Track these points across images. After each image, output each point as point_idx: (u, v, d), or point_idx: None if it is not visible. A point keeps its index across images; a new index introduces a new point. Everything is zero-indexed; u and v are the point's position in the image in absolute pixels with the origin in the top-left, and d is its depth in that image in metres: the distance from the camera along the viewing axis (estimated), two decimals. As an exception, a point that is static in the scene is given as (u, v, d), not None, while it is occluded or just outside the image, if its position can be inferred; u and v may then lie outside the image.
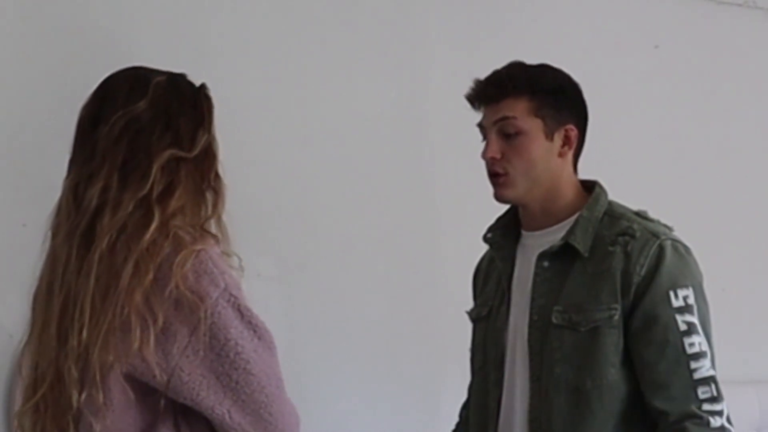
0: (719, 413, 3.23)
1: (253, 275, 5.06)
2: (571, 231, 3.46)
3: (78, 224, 2.93)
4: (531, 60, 3.71)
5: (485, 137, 3.55)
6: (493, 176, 3.51)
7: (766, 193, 6.36)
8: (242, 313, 2.91)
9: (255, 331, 2.90)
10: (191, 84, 3.32)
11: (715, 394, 3.25)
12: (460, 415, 4.02)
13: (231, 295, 2.88)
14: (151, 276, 2.79)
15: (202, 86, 3.33)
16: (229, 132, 5.09)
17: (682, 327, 3.28)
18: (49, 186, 4.11)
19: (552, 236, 3.53)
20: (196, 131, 3.11)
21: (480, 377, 3.75)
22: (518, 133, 3.43)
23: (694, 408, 3.23)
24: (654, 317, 3.29)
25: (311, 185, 5.37)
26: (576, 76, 3.73)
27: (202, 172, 3.11)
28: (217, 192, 3.23)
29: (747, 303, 6.20)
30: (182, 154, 3.02)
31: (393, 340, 5.41)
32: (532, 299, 3.52)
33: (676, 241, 3.42)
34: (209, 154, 3.18)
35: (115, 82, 3.27)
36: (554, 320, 3.42)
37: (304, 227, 5.34)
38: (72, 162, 3.16)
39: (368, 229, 5.46)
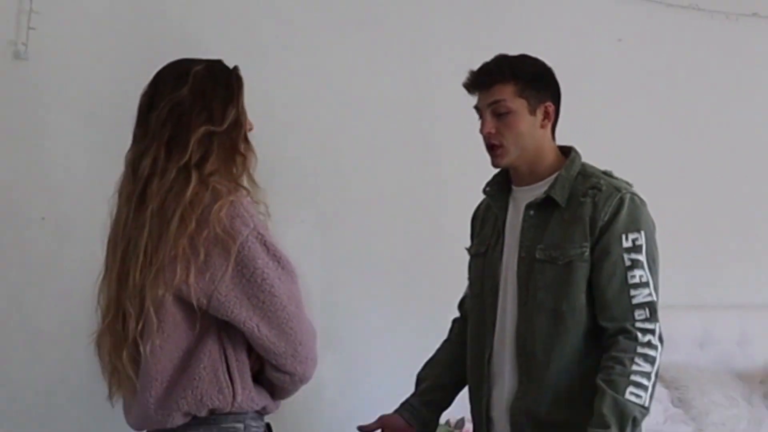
0: (650, 331, 3.54)
1: (297, 222, 5.64)
2: (551, 186, 3.72)
3: (134, 189, 3.24)
4: (514, 49, 4.03)
5: (481, 117, 3.80)
6: (491, 148, 3.79)
7: (707, 157, 6.64)
8: (268, 247, 3.13)
9: (279, 262, 3.13)
10: (225, 68, 3.57)
11: (648, 316, 3.55)
12: (460, 309, 4.39)
13: (258, 233, 3.11)
14: (193, 224, 3.06)
15: (234, 68, 3.59)
16: (280, 109, 5.72)
17: (627, 263, 3.58)
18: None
19: (537, 191, 3.78)
20: (226, 108, 3.38)
21: (477, 300, 3.99)
22: (508, 112, 3.71)
23: (628, 326, 3.54)
24: (608, 253, 3.58)
25: (343, 150, 5.91)
26: (551, 64, 4.03)
27: (232, 140, 3.35)
28: (245, 155, 3.43)
29: (694, 244, 6.53)
30: (214, 128, 3.29)
31: (409, 273, 5.92)
32: (521, 240, 3.77)
33: (633, 195, 3.69)
34: (237, 125, 3.42)
35: (164, 73, 3.55)
36: (538, 256, 3.69)
37: (338, 183, 5.86)
38: (133, 140, 3.44)
39: (388, 185, 5.97)
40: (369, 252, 5.90)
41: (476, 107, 3.85)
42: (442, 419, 4.83)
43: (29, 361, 5.20)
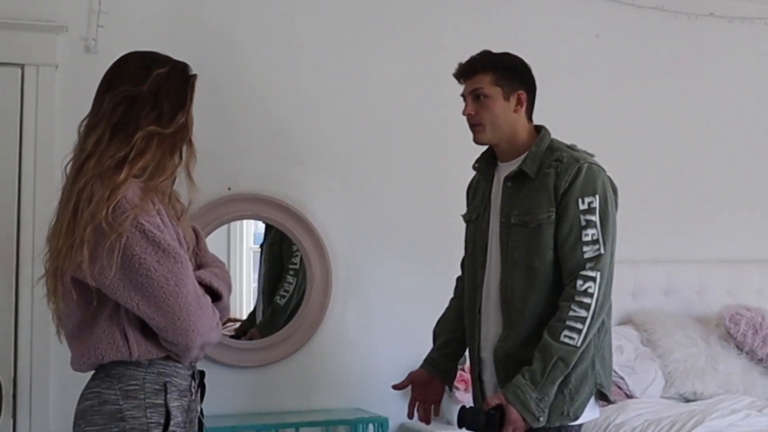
0: (591, 279, 3.53)
1: (325, 190, 5.68)
2: (524, 161, 3.77)
3: (77, 161, 3.11)
4: (505, 44, 4.08)
5: (465, 100, 3.91)
6: (472, 126, 3.89)
7: (671, 135, 6.48)
8: (147, 235, 2.98)
9: (159, 246, 2.98)
10: (185, 75, 3.37)
11: (592, 266, 3.57)
12: (462, 268, 4.32)
13: (139, 223, 2.97)
14: (103, 214, 2.93)
15: (192, 77, 3.40)
16: (313, 96, 5.75)
17: (582, 223, 3.60)
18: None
19: (514, 165, 3.83)
20: (176, 113, 3.20)
21: (471, 260, 4.05)
22: (485, 96, 3.80)
23: (573, 271, 3.60)
24: (566, 215, 3.63)
25: (365, 131, 5.83)
26: (534, 59, 4.06)
27: (173, 144, 3.19)
28: (184, 158, 3.27)
29: (660, 209, 6.40)
30: (160, 129, 3.13)
31: (418, 233, 5.84)
32: (501, 208, 3.83)
33: (591, 164, 3.72)
34: (183, 130, 3.24)
35: (130, 61, 3.35)
36: (513, 221, 3.75)
37: (360, 158, 5.80)
38: (90, 109, 3.25)
39: (402, 160, 5.89)
40: (386, 216, 5.86)
41: (462, 94, 3.96)
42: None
43: None
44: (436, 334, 4.22)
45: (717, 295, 6.26)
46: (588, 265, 3.58)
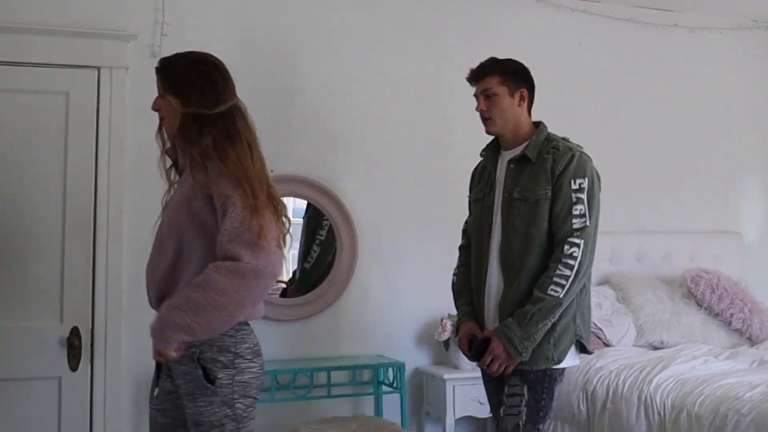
0: (575, 245, 3.61)
1: (353, 172, 5.72)
2: (526, 148, 3.84)
3: None
4: (499, 50, 4.12)
5: (477, 99, 3.98)
6: (484, 120, 3.97)
7: (645, 126, 6.50)
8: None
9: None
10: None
11: (579, 235, 3.63)
12: (463, 236, 4.32)
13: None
14: None
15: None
16: (342, 93, 5.75)
17: (573, 199, 3.67)
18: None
19: (516, 151, 3.90)
20: None
21: (478, 232, 4.03)
22: (494, 95, 3.88)
23: (562, 238, 3.66)
24: (560, 193, 3.70)
25: (386, 121, 5.82)
26: (527, 62, 4.11)
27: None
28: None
29: (635, 188, 6.35)
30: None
31: (431, 208, 5.82)
32: (504, 186, 3.88)
33: (581, 153, 3.81)
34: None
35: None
36: (515, 196, 3.79)
37: (383, 145, 5.80)
38: None
39: (418, 147, 5.88)
40: (403, 194, 5.88)
41: (474, 94, 4.03)
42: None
43: None
44: (459, 292, 4.19)
45: (680, 260, 6.26)
46: (575, 234, 3.65)
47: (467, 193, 4.31)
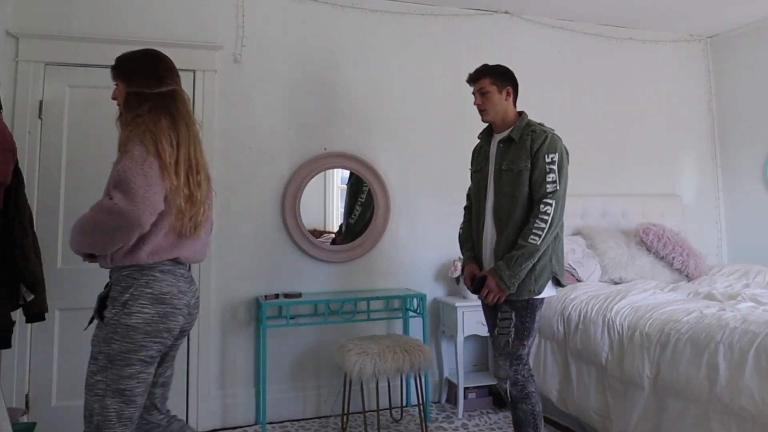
0: (549, 204, 3.57)
1: (384, 150, 5.58)
2: (511, 131, 3.78)
3: None
4: (497, 58, 4.23)
5: (474, 96, 3.91)
6: (480, 111, 3.90)
7: (608, 115, 6.40)
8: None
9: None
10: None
11: (551, 198, 3.58)
12: (468, 199, 4.21)
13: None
14: None
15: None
16: (377, 88, 5.59)
17: (547, 170, 3.62)
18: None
19: (505, 134, 3.83)
20: None
21: (477, 196, 3.98)
22: (487, 92, 3.84)
23: (539, 199, 3.61)
24: (537, 165, 3.64)
25: (411, 111, 5.71)
26: (516, 67, 4.08)
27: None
28: None
29: (598, 163, 6.27)
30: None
31: (446, 177, 5.72)
32: (495, 160, 3.83)
33: (553, 134, 3.72)
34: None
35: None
36: (504, 168, 3.74)
37: (408, 128, 5.69)
38: None
39: (434, 130, 5.77)
40: (424, 166, 5.78)
41: (472, 92, 3.95)
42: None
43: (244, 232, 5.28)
44: (464, 241, 4.10)
45: (635, 216, 6.18)
46: (548, 196, 3.61)
47: (470, 167, 4.22)
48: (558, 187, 3.64)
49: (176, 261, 2.85)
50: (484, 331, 5.24)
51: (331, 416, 5.24)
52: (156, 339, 2.75)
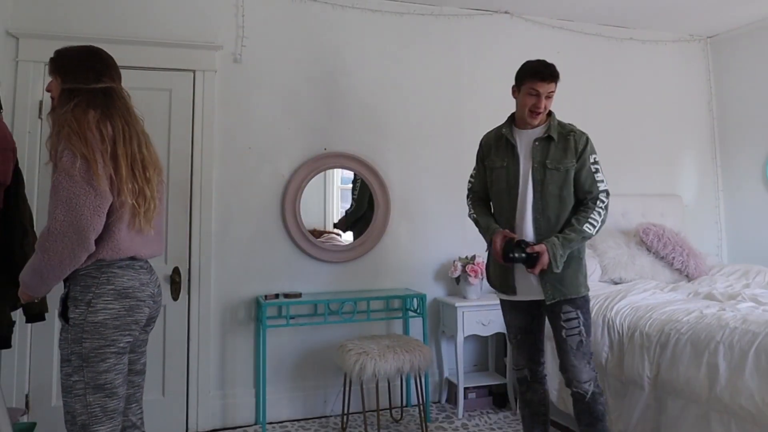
0: (603, 201, 3.64)
1: (387, 150, 5.56)
2: (548, 129, 3.72)
3: None
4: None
5: (536, 94, 3.73)
6: (536, 115, 3.73)
7: (616, 115, 6.36)
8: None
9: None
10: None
11: (605, 195, 3.67)
12: (471, 194, 4.10)
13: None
14: None
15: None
16: (378, 91, 5.57)
17: (593, 169, 3.69)
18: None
19: (537, 132, 3.75)
20: None
21: (504, 193, 3.82)
22: (551, 95, 3.76)
23: (595, 196, 3.66)
24: (585, 165, 3.68)
25: (412, 112, 5.68)
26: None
27: None
28: None
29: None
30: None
31: (447, 176, 5.69)
32: (533, 157, 3.71)
33: (589, 136, 3.74)
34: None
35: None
36: (549, 166, 3.67)
37: (408, 129, 5.64)
38: None
39: (434, 131, 5.73)
40: (424, 166, 5.74)
41: (532, 90, 3.74)
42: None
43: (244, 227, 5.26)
44: (479, 215, 3.94)
45: (635, 216, 6.13)
46: (602, 194, 3.69)
47: (473, 159, 4.13)
48: (607, 186, 3.74)
49: (133, 258, 2.83)
50: (484, 331, 5.23)
51: (331, 416, 5.23)
52: (125, 332, 2.75)
